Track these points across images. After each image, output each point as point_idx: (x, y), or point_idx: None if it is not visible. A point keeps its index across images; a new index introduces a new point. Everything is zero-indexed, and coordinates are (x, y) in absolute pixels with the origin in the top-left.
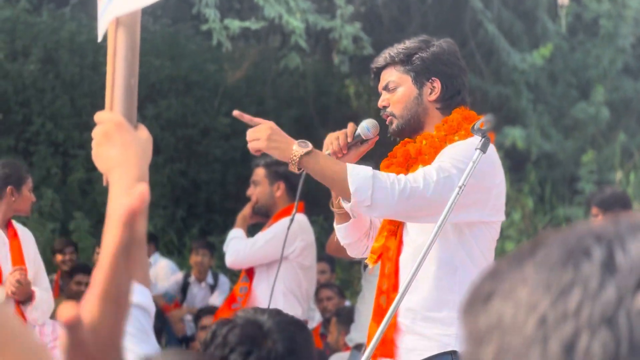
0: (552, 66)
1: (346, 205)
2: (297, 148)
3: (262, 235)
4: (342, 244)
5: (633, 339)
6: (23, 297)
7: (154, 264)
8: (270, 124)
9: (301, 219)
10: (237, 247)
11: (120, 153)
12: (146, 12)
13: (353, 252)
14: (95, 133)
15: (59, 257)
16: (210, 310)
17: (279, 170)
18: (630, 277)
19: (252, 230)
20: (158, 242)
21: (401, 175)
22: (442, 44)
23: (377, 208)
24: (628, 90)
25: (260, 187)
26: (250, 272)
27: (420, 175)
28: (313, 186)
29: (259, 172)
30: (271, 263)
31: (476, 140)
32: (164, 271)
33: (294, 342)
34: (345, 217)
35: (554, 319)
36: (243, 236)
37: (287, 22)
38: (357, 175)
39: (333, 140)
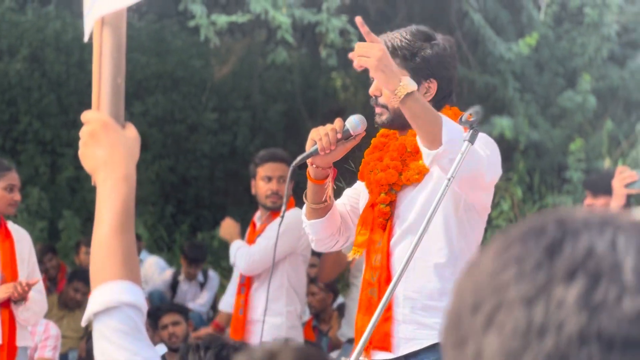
0: (538, 55)
1: (425, 152)
2: (407, 83)
3: (271, 233)
4: (313, 239)
5: (544, 326)
6: (18, 298)
7: (143, 261)
8: (383, 46)
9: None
10: (249, 252)
11: (107, 153)
12: (131, 9)
13: (322, 248)
14: (82, 133)
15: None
16: (169, 308)
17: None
18: (562, 266)
19: (225, 213)
20: (141, 240)
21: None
22: (445, 44)
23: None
24: (614, 78)
25: (282, 183)
26: (246, 283)
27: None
28: (302, 179)
29: (285, 170)
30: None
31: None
32: (152, 269)
33: None
34: (320, 212)
35: (491, 288)
36: (246, 244)
37: (273, 17)
38: (452, 127)
39: (322, 136)
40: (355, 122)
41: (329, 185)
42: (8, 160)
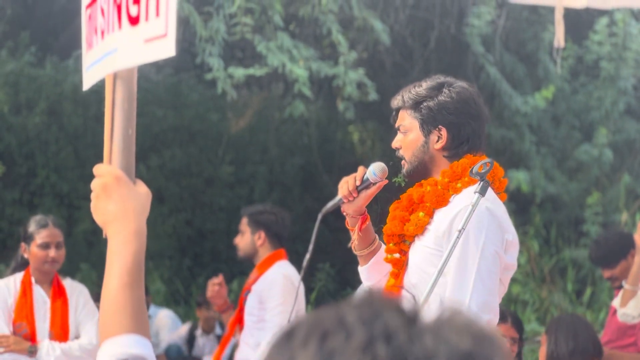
0: (555, 108)
1: None
2: None
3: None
4: (365, 284)
5: None
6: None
7: (153, 316)
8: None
9: (286, 272)
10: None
11: (119, 207)
12: (149, 63)
13: None
14: (94, 186)
15: None
16: None
17: (260, 219)
18: (298, 339)
19: (242, 267)
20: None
21: None
22: (452, 91)
23: None
24: (631, 132)
25: (243, 235)
26: (234, 323)
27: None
28: (320, 232)
29: (243, 221)
30: (260, 314)
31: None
32: (164, 321)
33: None
34: (365, 258)
35: None
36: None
37: (290, 70)
38: None
39: (342, 184)
40: (372, 171)
41: (357, 232)
42: (25, 214)
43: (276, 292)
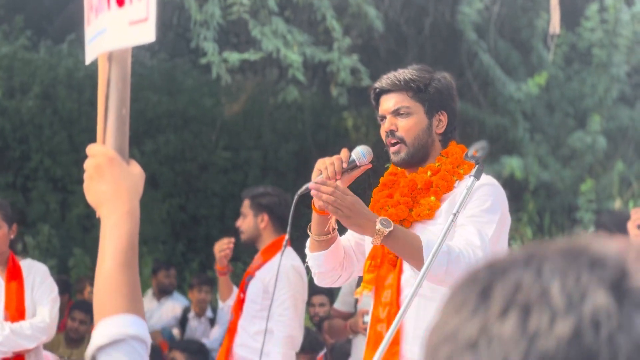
0: (549, 95)
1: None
2: (381, 228)
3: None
4: (316, 272)
5: None
6: None
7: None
8: (353, 198)
9: (295, 264)
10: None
11: (111, 188)
12: (143, 47)
13: (324, 282)
14: (87, 166)
15: None
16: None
17: (262, 202)
18: (495, 306)
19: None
20: None
21: (462, 244)
22: (448, 77)
23: (449, 281)
24: (624, 119)
25: (246, 218)
26: (237, 309)
27: (475, 246)
28: (307, 218)
29: (245, 204)
30: (264, 302)
31: (487, 179)
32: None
33: None
34: (324, 245)
35: (443, 338)
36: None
37: (284, 55)
38: (431, 246)
39: (328, 165)
40: (361, 153)
41: (333, 216)
42: (19, 198)
43: (284, 284)
